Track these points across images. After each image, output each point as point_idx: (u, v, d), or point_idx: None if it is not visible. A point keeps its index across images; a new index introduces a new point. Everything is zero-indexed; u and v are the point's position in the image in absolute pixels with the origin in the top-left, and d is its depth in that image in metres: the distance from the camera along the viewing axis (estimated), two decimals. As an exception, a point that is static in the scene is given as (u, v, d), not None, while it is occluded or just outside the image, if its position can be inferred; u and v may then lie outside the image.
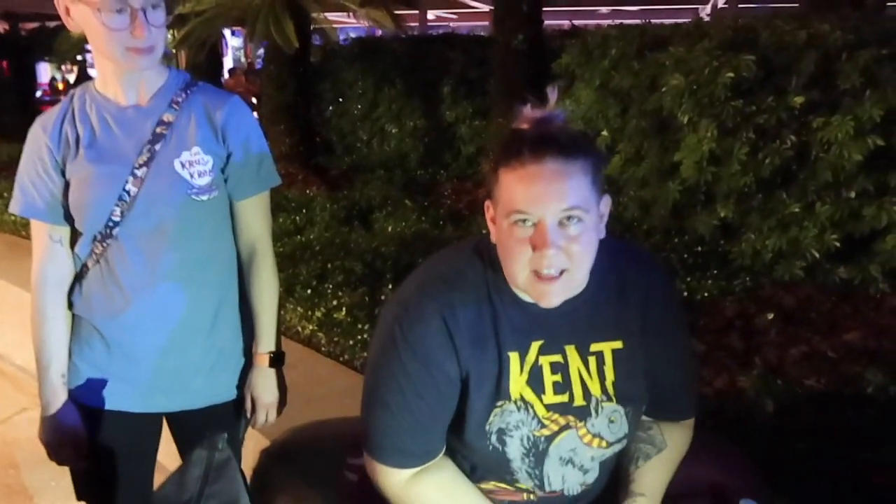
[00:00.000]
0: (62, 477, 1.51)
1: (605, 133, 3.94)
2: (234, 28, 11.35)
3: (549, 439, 1.10)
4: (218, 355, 1.45)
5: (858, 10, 3.63)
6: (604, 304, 1.11)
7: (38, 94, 13.19)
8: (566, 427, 1.10)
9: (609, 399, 1.11)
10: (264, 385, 1.49)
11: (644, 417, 1.20)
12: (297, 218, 4.53)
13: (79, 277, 1.38)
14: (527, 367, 1.08)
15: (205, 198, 1.33)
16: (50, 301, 1.36)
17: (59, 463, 1.41)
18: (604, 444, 1.12)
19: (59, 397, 1.38)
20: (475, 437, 1.09)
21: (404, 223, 4.40)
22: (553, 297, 1.03)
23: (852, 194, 3.02)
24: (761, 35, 3.23)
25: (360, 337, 2.81)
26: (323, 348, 2.85)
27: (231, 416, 1.52)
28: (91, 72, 18.37)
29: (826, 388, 2.50)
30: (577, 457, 1.12)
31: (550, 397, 1.09)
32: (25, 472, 2.82)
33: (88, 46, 1.37)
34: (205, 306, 1.40)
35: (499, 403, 1.08)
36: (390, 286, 3.29)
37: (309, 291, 3.24)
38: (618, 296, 1.12)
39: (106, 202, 1.29)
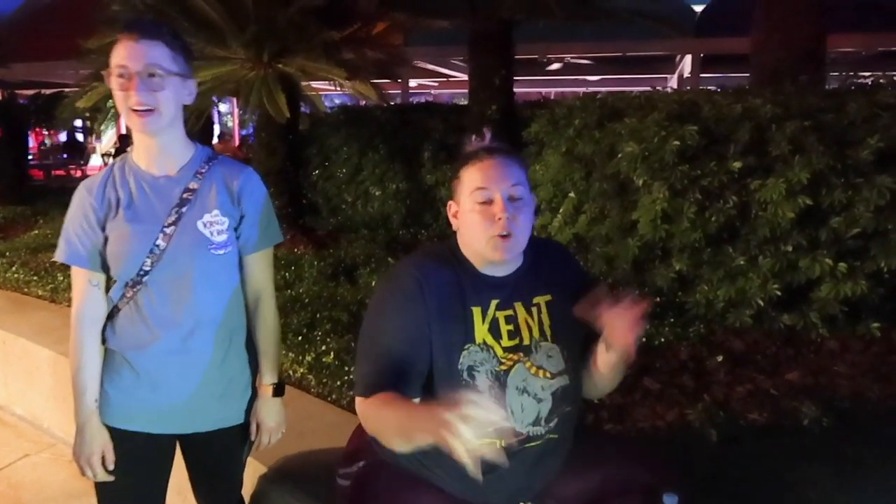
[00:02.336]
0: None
1: (571, 195, 4.26)
2: (226, 97, 11.77)
3: (507, 372, 1.48)
4: (227, 384, 1.69)
5: (795, 85, 4.00)
6: (535, 272, 1.57)
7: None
8: (518, 361, 1.49)
9: (545, 339, 1.53)
10: (269, 411, 1.76)
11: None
12: (287, 274, 4.79)
13: (111, 316, 1.61)
14: (488, 319, 1.49)
15: (221, 252, 1.60)
16: (87, 336, 1.59)
17: (92, 476, 1.62)
18: (547, 374, 1.51)
19: (92, 419, 1.59)
20: (450, 375, 1.44)
21: (387, 278, 4.66)
22: (506, 252, 1.46)
23: (789, 248, 3.30)
24: (703, 108, 3.60)
25: (346, 378, 3.04)
26: (313, 389, 3.07)
27: (236, 438, 1.76)
28: (79, 136, 18.74)
29: (766, 420, 2.75)
30: (529, 386, 1.49)
31: (506, 341, 1.49)
32: (31, 510, 2.99)
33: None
34: (218, 342, 1.64)
35: (466, 346, 1.46)
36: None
37: (300, 338, 3.49)
38: (542, 267, 1.58)
39: (139, 254, 1.54)
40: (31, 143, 16.47)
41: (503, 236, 1.44)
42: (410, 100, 14.26)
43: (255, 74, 5.49)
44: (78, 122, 17.13)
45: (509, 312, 1.51)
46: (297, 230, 6.19)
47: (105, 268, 1.59)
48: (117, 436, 1.63)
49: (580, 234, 4.19)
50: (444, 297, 1.46)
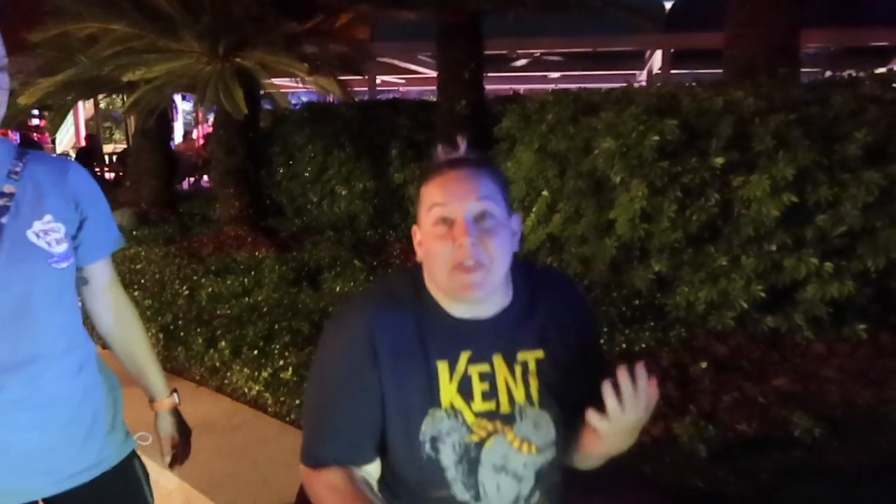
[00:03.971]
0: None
1: (545, 193, 4.09)
2: (185, 93, 11.43)
3: (480, 445, 1.18)
4: (92, 420, 1.37)
5: (773, 79, 3.88)
6: (525, 318, 1.22)
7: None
8: (494, 432, 1.18)
9: (532, 405, 1.20)
10: (172, 424, 1.53)
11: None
12: (246, 280, 4.54)
13: None
14: (456, 377, 1.18)
15: (64, 265, 1.28)
16: None
17: None
18: (533, 449, 1.20)
19: None
20: (409, 446, 1.18)
21: (352, 283, 4.44)
22: (475, 288, 1.13)
23: (773, 247, 3.18)
24: (683, 101, 3.45)
25: (300, 397, 2.82)
26: (269, 409, 2.85)
27: (118, 480, 1.42)
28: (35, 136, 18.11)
29: (756, 432, 2.61)
30: (510, 463, 1.19)
31: (479, 405, 1.18)
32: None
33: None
34: (71, 373, 1.33)
35: (430, 411, 1.17)
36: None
37: (255, 352, 3.24)
38: (538, 311, 1.24)
39: None
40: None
41: (468, 267, 1.12)
42: (377, 96, 14.03)
43: (211, 69, 5.22)
44: (35, 121, 16.54)
45: (485, 368, 1.19)
46: (259, 232, 5.93)
47: None
48: None
49: (554, 234, 4.02)
50: (400, 349, 1.17)
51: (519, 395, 1.20)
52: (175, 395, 1.55)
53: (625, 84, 4.57)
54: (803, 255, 3.13)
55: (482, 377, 1.19)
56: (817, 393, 2.87)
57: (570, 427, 1.24)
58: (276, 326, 3.54)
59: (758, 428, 2.62)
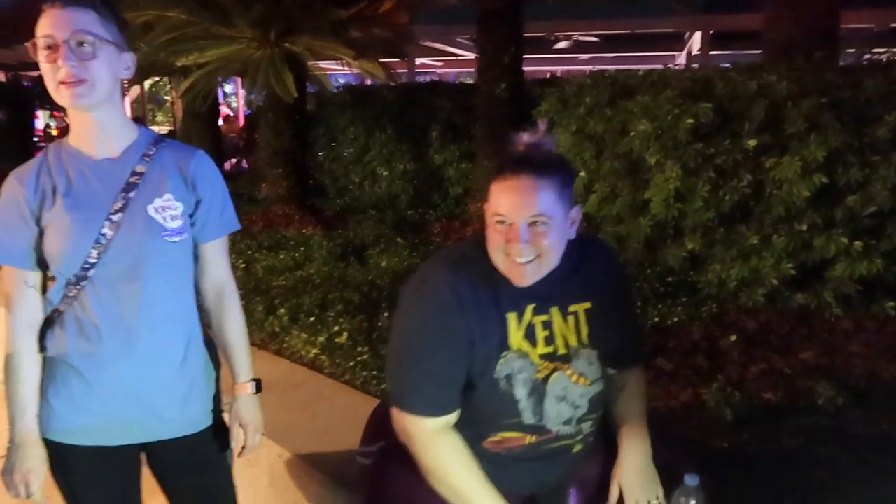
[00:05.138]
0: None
1: (582, 174, 4.22)
2: (234, 77, 11.69)
3: (545, 380, 1.40)
4: (190, 387, 1.51)
5: (809, 61, 3.94)
6: (573, 277, 1.44)
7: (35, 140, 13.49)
8: (556, 370, 1.41)
9: (584, 346, 1.44)
10: (249, 410, 1.60)
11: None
12: (297, 255, 4.79)
13: (51, 320, 1.42)
14: (523, 325, 1.40)
15: (176, 239, 1.43)
16: (25, 345, 1.40)
17: (25, 496, 1.42)
18: (587, 381, 1.44)
19: (30, 436, 1.40)
20: (488, 384, 1.38)
21: (396, 259, 4.66)
22: (525, 278, 1.34)
23: (804, 227, 3.28)
24: (717, 85, 3.56)
25: (359, 359, 3.05)
26: (325, 370, 3.08)
27: (206, 443, 1.59)
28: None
29: (781, 400, 2.75)
30: (570, 394, 1.43)
31: (542, 348, 1.40)
32: None
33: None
34: (176, 340, 1.48)
35: (503, 354, 1.38)
36: (386, 314, 3.57)
37: (312, 319, 3.49)
38: (583, 270, 1.46)
39: (83, 246, 1.36)
40: (40, 124, 16.41)
41: (519, 262, 1.32)
42: (415, 79, 14.16)
43: (261, 54, 5.44)
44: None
45: (545, 318, 1.42)
46: (306, 211, 6.17)
47: (42, 265, 1.42)
48: (71, 454, 1.44)
49: (591, 213, 4.16)
50: (480, 306, 1.37)
51: (572, 339, 1.43)
52: (255, 384, 1.60)
53: (663, 66, 4.65)
54: (833, 234, 3.24)
55: (544, 325, 1.41)
56: (843, 366, 2.98)
57: (611, 362, 1.51)
58: (329, 296, 3.79)
59: (783, 397, 2.75)
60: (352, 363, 3.01)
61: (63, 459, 1.45)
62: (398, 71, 7.42)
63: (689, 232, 3.59)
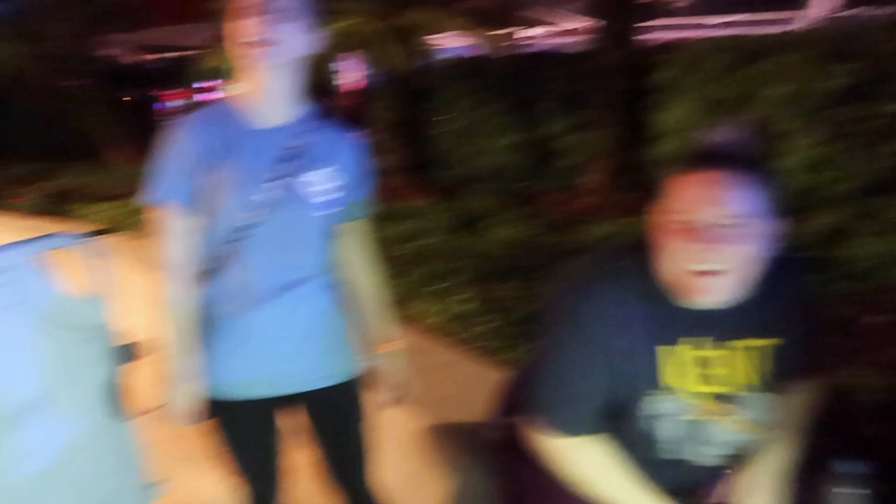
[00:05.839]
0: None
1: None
2: (352, 51, 11.88)
3: (697, 425, 1.22)
4: (338, 339, 1.63)
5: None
6: (763, 305, 1.18)
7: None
8: (713, 414, 1.21)
9: (754, 390, 1.22)
10: (398, 365, 1.71)
11: None
12: (414, 225, 4.91)
13: (209, 276, 1.49)
14: (682, 361, 1.19)
15: (325, 212, 1.53)
16: (185, 291, 1.47)
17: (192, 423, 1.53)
18: (749, 428, 1.24)
19: (191, 380, 1.49)
20: (627, 419, 1.23)
21: (513, 230, 4.71)
22: (705, 294, 1.10)
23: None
24: (858, 45, 3.33)
25: (477, 329, 3.12)
26: (450, 337, 3.17)
27: (355, 389, 1.69)
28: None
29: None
30: (718, 438, 1.24)
31: (694, 386, 1.20)
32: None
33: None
34: (323, 297, 1.58)
35: (649, 391, 1.20)
36: (505, 283, 3.62)
37: (430, 289, 3.60)
38: (762, 300, 1.17)
39: (241, 206, 1.44)
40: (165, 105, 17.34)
41: (701, 272, 1.08)
42: (517, 51, 13.90)
43: (379, 28, 5.53)
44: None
45: (711, 353, 1.20)
46: (421, 182, 6.29)
47: (203, 215, 1.48)
48: (229, 407, 1.55)
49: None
50: (627, 334, 1.18)
51: (745, 379, 1.22)
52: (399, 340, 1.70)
53: (783, 30, 4.40)
54: None
55: (706, 362, 1.20)
56: None
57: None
58: (451, 266, 3.88)
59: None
60: (476, 331, 3.09)
61: (223, 412, 1.55)
62: (505, 44, 7.35)
63: (828, 203, 3.40)
